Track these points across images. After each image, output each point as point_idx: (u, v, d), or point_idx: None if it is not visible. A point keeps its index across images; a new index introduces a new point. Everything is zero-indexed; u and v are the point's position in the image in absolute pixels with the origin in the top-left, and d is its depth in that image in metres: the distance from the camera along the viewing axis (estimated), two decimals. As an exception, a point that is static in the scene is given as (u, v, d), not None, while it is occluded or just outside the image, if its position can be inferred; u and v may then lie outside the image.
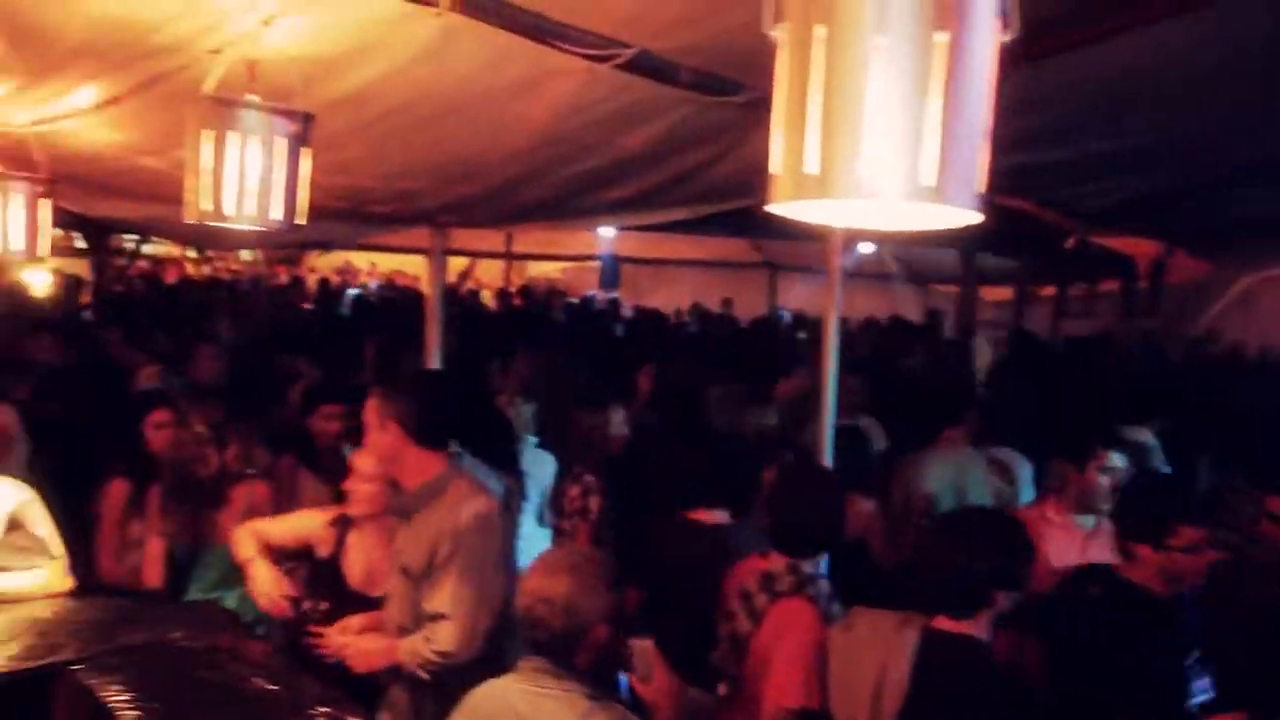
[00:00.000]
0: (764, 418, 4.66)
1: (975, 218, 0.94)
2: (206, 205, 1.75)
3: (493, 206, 3.91)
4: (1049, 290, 10.33)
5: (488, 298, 13.16)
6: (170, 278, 13.36)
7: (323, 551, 2.88)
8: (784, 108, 0.95)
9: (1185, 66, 2.17)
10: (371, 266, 17.85)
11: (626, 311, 12.09)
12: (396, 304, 11.49)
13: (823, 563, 2.96)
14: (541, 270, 15.83)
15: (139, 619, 2.79)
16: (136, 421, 3.55)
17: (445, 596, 2.33)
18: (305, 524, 2.94)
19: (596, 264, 14.10)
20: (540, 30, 2.06)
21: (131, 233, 9.05)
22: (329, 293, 12.62)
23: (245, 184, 1.74)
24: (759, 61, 2.49)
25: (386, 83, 2.18)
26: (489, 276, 14.39)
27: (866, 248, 8.85)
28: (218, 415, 3.50)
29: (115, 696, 2.32)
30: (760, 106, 2.69)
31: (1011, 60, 1.02)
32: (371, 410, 2.43)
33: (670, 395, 4.79)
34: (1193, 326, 8.10)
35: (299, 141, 1.82)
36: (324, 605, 2.72)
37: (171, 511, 3.39)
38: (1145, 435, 4.17)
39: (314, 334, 6.99)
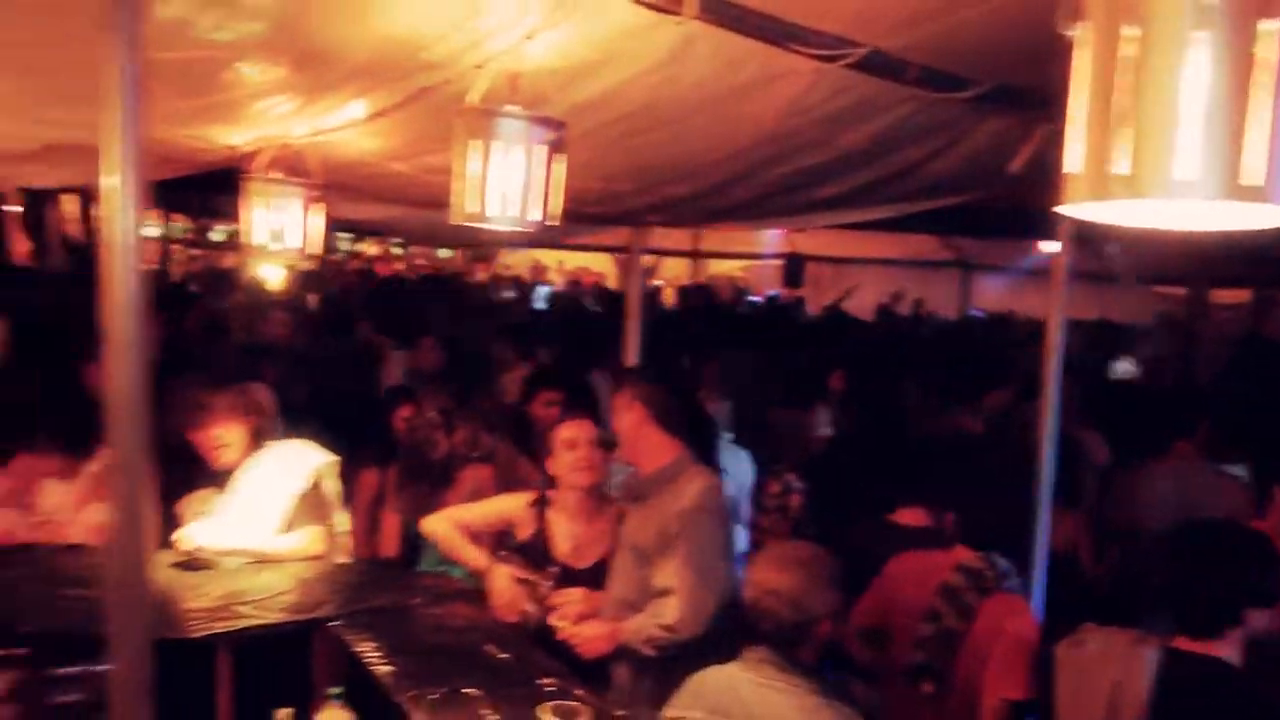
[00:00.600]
0: (965, 423, 4.53)
1: (1298, 216, 0.90)
2: (473, 208, 1.91)
3: (701, 205, 3.99)
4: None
5: (669, 296, 13.38)
6: (383, 273, 14.44)
7: (524, 532, 3.02)
8: (1086, 106, 0.94)
9: None
10: (559, 264, 18.55)
11: (810, 310, 11.97)
12: (587, 300, 11.90)
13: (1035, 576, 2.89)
14: (722, 268, 15.92)
15: (385, 584, 3.09)
16: (386, 413, 3.88)
17: (671, 572, 2.43)
18: (503, 506, 3.10)
19: (779, 262, 14.03)
20: (774, 33, 2.10)
21: (371, 233, 9.83)
22: (525, 288, 13.22)
23: (508, 188, 1.89)
24: (987, 56, 2.44)
25: (624, 89, 2.29)
26: (670, 274, 14.63)
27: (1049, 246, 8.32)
28: (447, 401, 3.79)
29: (367, 650, 2.58)
30: (986, 101, 2.64)
31: None
32: (620, 394, 2.57)
33: (869, 396, 4.73)
34: None
35: (555, 147, 1.95)
36: (549, 583, 2.87)
37: (406, 490, 3.72)
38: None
39: (521, 327, 7.36)
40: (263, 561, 3.13)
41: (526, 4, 1.86)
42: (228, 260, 12.91)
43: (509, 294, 13.12)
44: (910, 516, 3.18)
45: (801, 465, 3.84)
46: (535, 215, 1.94)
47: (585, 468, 2.87)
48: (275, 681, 2.68)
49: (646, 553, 2.53)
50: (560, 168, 2.00)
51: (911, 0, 2.10)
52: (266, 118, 2.58)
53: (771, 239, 12.85)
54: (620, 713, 2.31)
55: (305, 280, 10.46)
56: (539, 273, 17.11)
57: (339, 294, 9.46)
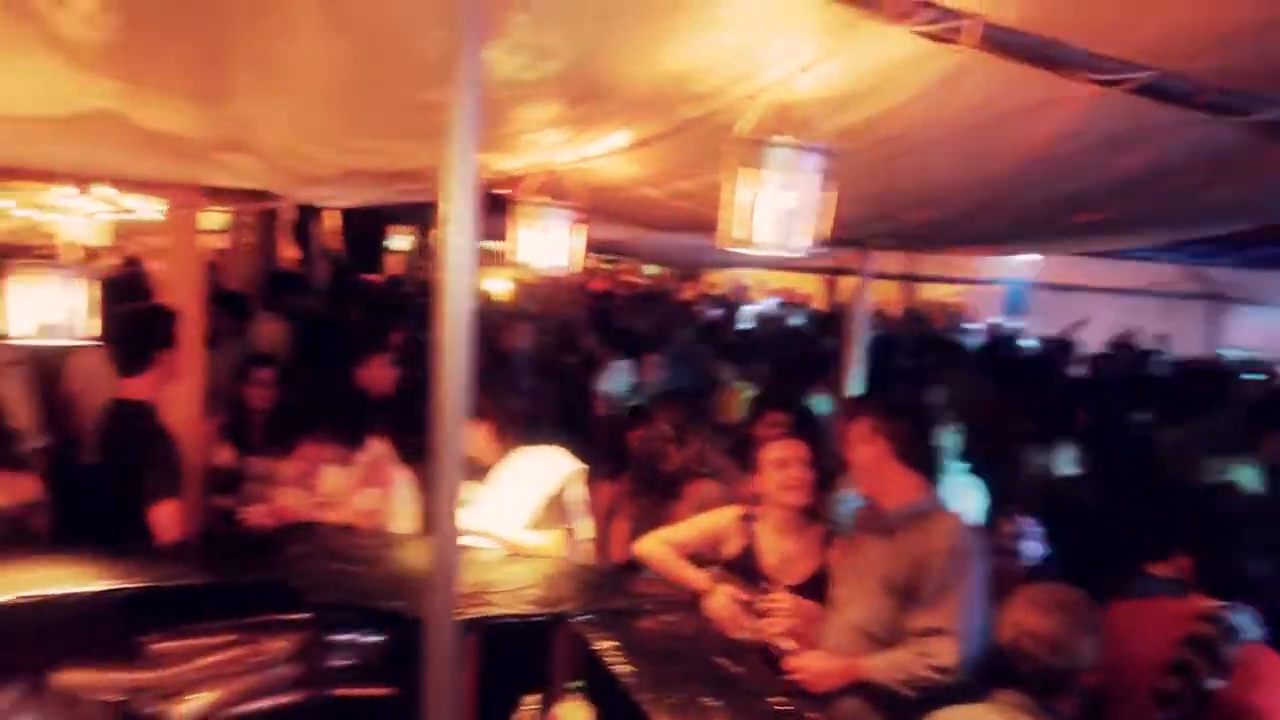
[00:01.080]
0: (1230, 472, 4.14)
1: None
2: (741, 234, 2.00)
3: (940, 231, 3.91)
4: None
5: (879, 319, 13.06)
6: (596, 288, 15.03)
7: (732, 547, 3.08)
8: None
9: None
10: (761, 284, 18.55)
11: (1031, 340, 11.30)
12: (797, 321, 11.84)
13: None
14: (935, 293, 15.37)
15: (621, 588, 3.23)
16: (623, 428, 4.08)
17: (945, 614, 2.40)
18: (713, 523, 3.17)
19: (997, 288, 13.35)
20: (1055, 59, 2.05)
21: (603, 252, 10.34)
22: (731, 306, 13.35)
23: (776, 214, 1.96)
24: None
25: (888, 116, 2.31)
26: (877, 297, 14.27)
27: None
28: (679, 416, 3.92)
29: (607, 649, 2.71)
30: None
31: None
32: (860, 424, 2.57)
33: (1117, 437, 4.42)
34: None
35: (824, 176, 2.00)
36: (768, 600, 2.90)
37: (637, 500, 3.88)
38: None
39: (736, 346, 7.46)
40: (512, 554, 3.36)
41: (805, 37, 1.92)
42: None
43: (715, 312, 13.28)
44: (1161, 568, 2.96)
45: (1040, 505, 3.64)
46: (802, 242, 2.00)
47: (794, 487, 2.92)
48: (516, 670, 2.87)
49: (900, 589, 2.50)
50: (829, 195, 2.04)
51: (1217, 23, 1.99)
52: (538, 147, 2.79)
53: (993, 264, 12.26)
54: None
55: (529, 293, 11.11)
56: (742, 291, 17.21)
57: (564, 307, 9.96)
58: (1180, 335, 11.66)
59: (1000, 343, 10.50)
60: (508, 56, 1.95)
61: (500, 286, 11.01)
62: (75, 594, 2.77)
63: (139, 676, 2.87)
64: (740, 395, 5.34)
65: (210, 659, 2.96)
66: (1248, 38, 1.98)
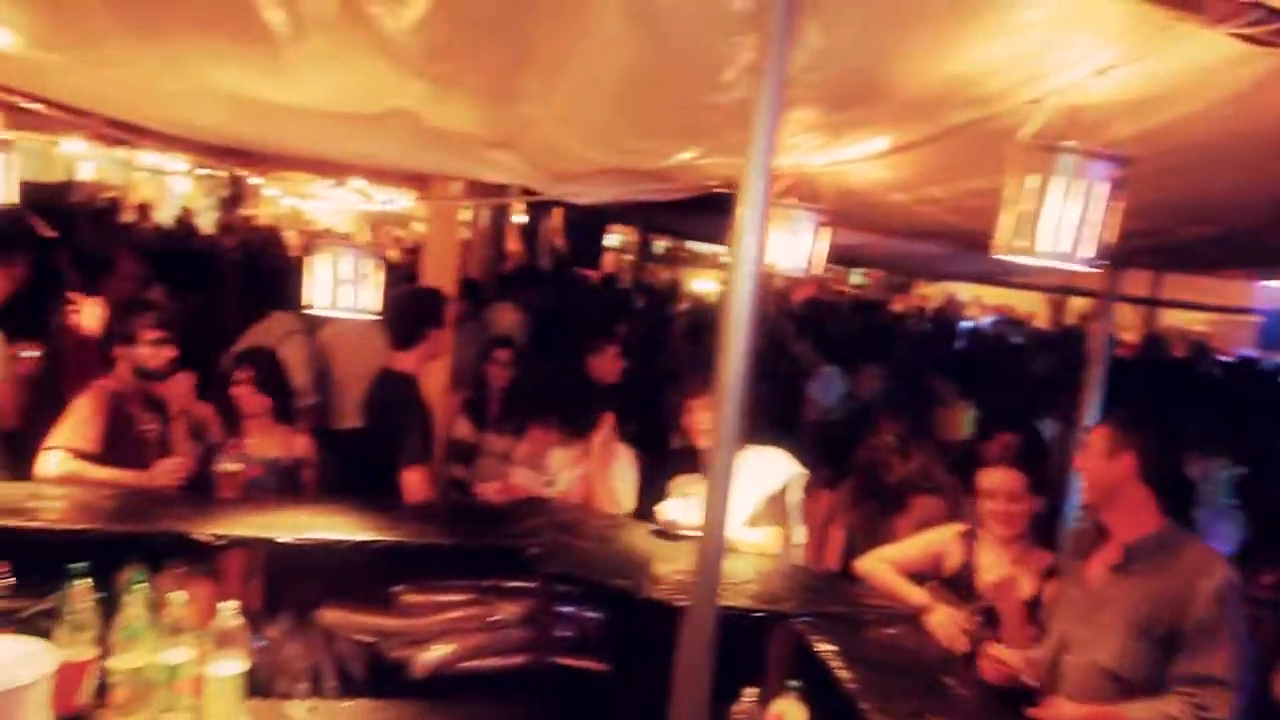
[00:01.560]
0: None
1: None
2: (1021, 242, 1.94)
3: (1220, 250, 3.60)
4: None
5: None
6: (799, 296, 14.89)
7: (951, 563, 3.05)
8: None
9: None
10: (976, 299, 17.71)
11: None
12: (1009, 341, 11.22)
13: None
14: (1177, 319, 14.08)
15: (840, 593, 3.22)
16: (842, 437, 4.07)
17: (1218, 661, 2.24)
18: (934, 541, 3.15)
19: (1253, 319, 12.06)
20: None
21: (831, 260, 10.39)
22: (945, 321, 12.84)
23: (1061, 224, 1.89)
24: None
25: (1186, 123, 2.15)
26: (1124, 324, 13.26)
27: None
28: (903, 429, 3.85)
29: (827, 652, 2.70)
30: None
31: None
32: (1104, 437, 2.44)
33: None
34: None
35: (1116, 184, 1.91)
36: (979, 620, 2.82)
37: (856, 509, 3.86)
38: None
39: (956, 362, 7.19)
40: (730, 549, 3.43)
41: (1106, 39, 1.84)
42: (667, 273, 14.26)
43: (926, 326, 12.83)
44: None
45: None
46: (1087, 253, 1.91)
47: (1001, 520, 2.90)
48: (734, 662, 2.92)
49: (1156, 632, 2.34)
50: (1118, 205, 1.94)
51: None
52: (795, 150, 2.82)
53: (1249, 292, 11.07)
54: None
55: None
56: (957, 306, 16.50)
57: (776, 311, 9.96)
58: None
59: (1257, 377, 9.49)
60: (795, 57, 1.99)
61: (709, 289, 11.15)
62: (340, 541, 3.07)
63: (388, 622, 3.15)
64: (962, 413, 5.14)
65: (451, 614, 3.21)
66: None
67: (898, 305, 15.31)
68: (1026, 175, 1.94)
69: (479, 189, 5.46)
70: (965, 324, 13.63)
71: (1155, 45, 1.81)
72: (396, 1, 1.85)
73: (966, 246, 4.32)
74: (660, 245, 16.36)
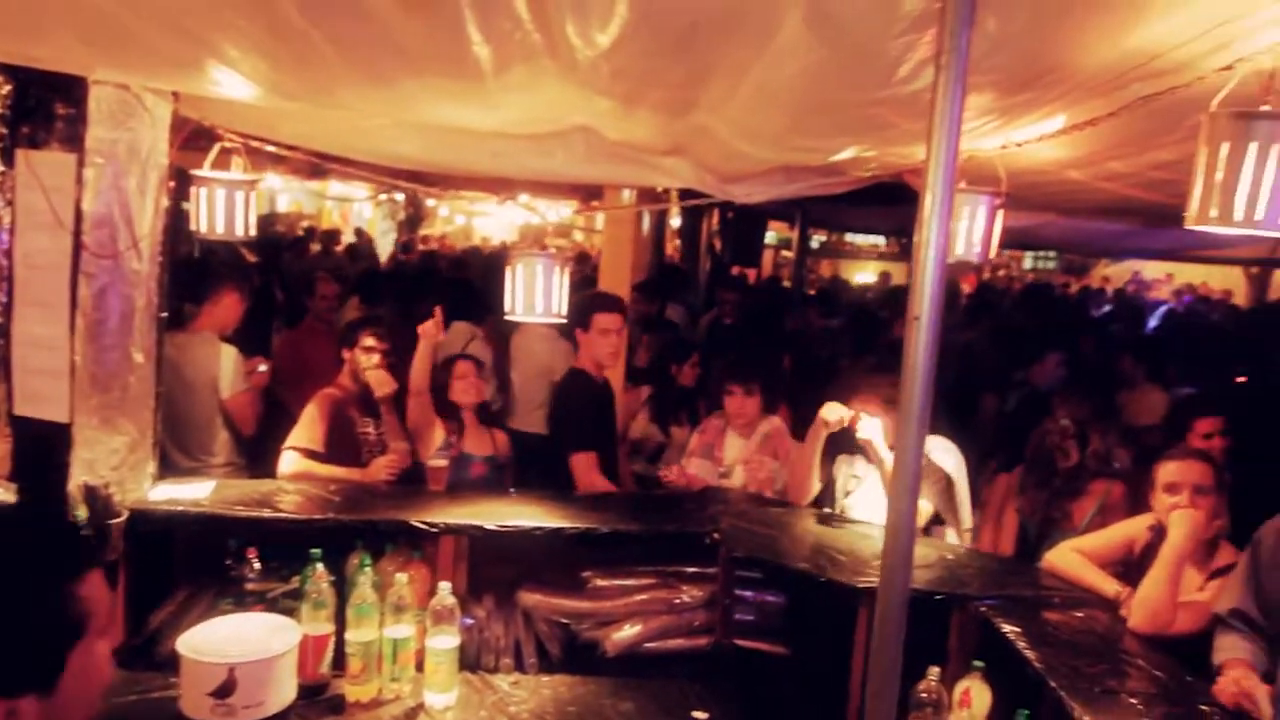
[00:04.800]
0: None
1: None
2: (1214, 213, 1.91)
3: None
4: None
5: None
6: (968, 286, 14.38)
7: (1138, 554, 2.96)
8: None
9: None
10: (1168, 277, 16.56)
11: None
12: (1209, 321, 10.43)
13: None
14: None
15: (1022, 577, 3.19)
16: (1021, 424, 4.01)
17: None
18: (1125, 531, 3.07)
19: None
20: None
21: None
22: (1130, 302, 12.08)
23: (1259, 192, 1.85)
24: None
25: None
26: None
27: None
28: (1084, 412, 3.75)
29: (1012, 633, 2.69)
30: None
31: None
32: None
33: None
34: None
35: (1317, 147, 1.85)
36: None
37: (1030, 492, 3.78)
38: None
39: (1144, 343, 6.83)
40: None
41: (1300, 1, 1.79)
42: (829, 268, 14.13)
43: (1107, 308, 12.11)
44: None
45: None
46: (1284, 219, 1.86)
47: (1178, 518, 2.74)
48: (913, 643, 2.94)
49: None
50: (1326, 169, 1.88)
51: None
52: (969, 135, 2.83)
53: None
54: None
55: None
56: (1142, 286, 15.48)
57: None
58: None
59: None
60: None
61: (869, 280, 10.99)
62: (537, 528, 3.30)
63: (581, 605, 3.37)
64: (1153, 397, 4.89)
65: (637, 597, 3.39)
66: None
67: (1074, 287, 14.47)
68: (1220, 144, 1.90)
69: (644, 195, 5.68)
70: (1157, 303, 12.75)
71: (1359, 0, 1.75)
72: (596, 29, 2.02)
73: (1152, 221, 4.13)
74: (817, 240, 16.20)
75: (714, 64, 2.24)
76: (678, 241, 10.94)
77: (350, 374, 4.10)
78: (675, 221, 10.88)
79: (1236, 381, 5.36)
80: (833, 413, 3.55)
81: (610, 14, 1.98)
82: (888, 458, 3.60)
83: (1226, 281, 14.40)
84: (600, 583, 3.45)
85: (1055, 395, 3.95)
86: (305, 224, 14.88)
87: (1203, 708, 2.32)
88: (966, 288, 13.86)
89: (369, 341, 4.06)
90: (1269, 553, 2.47)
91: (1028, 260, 18.81)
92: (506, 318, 3.29)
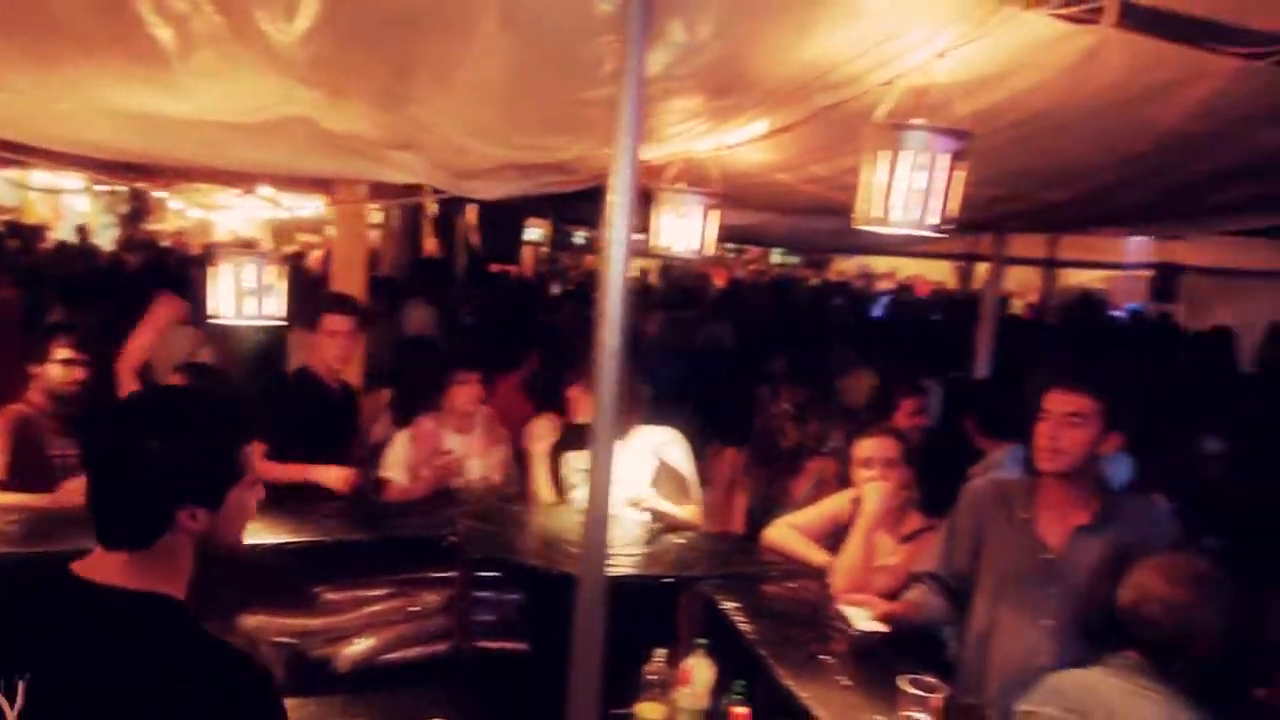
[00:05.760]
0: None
1: None
2: (876, 213, 2.11)
3: (1076, 211, 3.87)
4: None
5: (1019, 307, 12.67)
6: (719, 279, 15.17)
7: (844, 525, 3.20)
8: None
9: None
10: (891, 271, 18.26)
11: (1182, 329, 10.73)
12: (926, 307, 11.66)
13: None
14: (1078, 279, 14.76)
15: (743, 555, 3.39)
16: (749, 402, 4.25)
17: None
18: (832, 507, 3.30)
19: (1142, 273, 12.71)
20: (1195, 34, 2.06)
21: (728, 240, 10.54)
22: (859, 294, 13.25)
23: (910, 194, 2.07)
24: None
25: (1025, 97, 2.36)
26: (1018, 285, 13.86)
27: None
28: (801, 397, 4.04)
29: (731, 609, 2.85)
30: None
31: None
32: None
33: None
34: None
35: (958, 157, 2.09)
36: None
37: (754, 473, 4.03)
38: None
39: (858, 331, 7.48)
40: (660, 522, 3.56)
41: (943, 24, 2.01)
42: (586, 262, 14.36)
43: (840, 300, 13.21)
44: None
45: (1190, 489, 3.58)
46: (933, 220, 2.09)
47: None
48: (647, 626, 3.05)
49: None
50: (960, 175, 2.13)
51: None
52: (683, 137, 2.96)
53: (1137, 248, 11.68)
54: (971, 700, 2.40)
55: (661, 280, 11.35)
56: (871, 279, 16.99)
57: (690, 294, 10.17)
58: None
59: (1148, 329, 10.04)
60: (661, 54, 2.12)
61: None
62: (259, 545, 3.09)
63: (310, 622, 3.21)
64: (866, 380, 5.37)
65: (372, 608, 3.28)
66: None
67: (814, 280, 15.68)
68: (879, 152, 2.11)
69: (387, 190, 5.48)
70: (880, 294, 14.06)
71: (986, 27, 1.99)
72: (283, 18, 1.91)
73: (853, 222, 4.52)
74: (581, 236, 16.44)
75: (416, 59, 2.20)
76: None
77: (42, 389, 3.63)
78: (437, 216, 10.63)
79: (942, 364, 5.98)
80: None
81: (298, 2, 1.88)
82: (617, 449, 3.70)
83: (940, 274, 16.13)
84: (332, 597, 3.30)
85: (778, 381, 4.22)
86: (3, 218, 13.08)
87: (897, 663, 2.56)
88: (719, 282, 14.64)
89: (63, 353, 3.59)
90: (961, 520, 2.77)
91: (776, 255, 20.13)
92: (210, 320, 3.05)
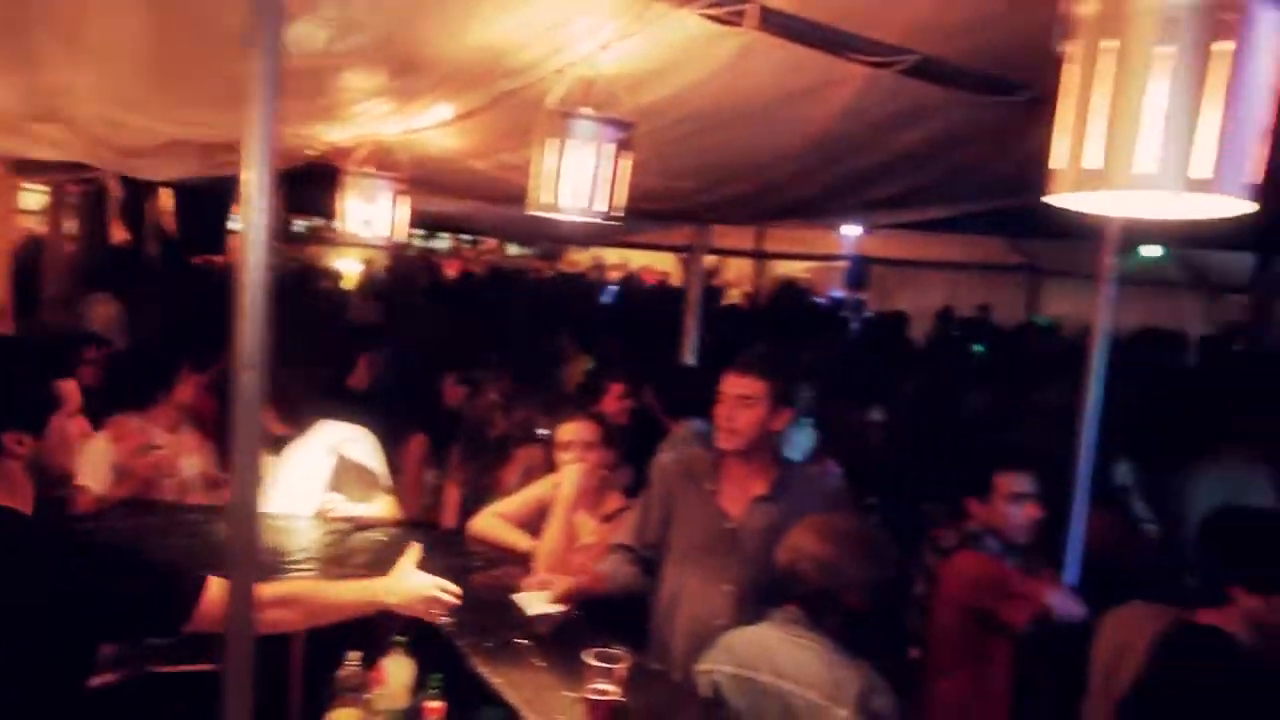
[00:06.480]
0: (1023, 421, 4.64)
1: (1250, 207, 1.06)
2: (547, 199, 2.14)
3: (757, 204, 4.18)
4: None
5: (736, 296, 13.54)
6: (451, 270, 14.89)
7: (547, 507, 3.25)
8: (1070, 111, 1.12)
9: None
10: (623, 262, 18.85)
11: (870, 313, 12.03)
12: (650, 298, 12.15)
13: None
14: (789, 269, 16.03)
15: (446, 548, 3.31)
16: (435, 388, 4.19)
17: None
18: (538, 493, 3.32)
19: (844, 264, 14.06)
20: (829, 42, 2.28)
21: (428, 227, 10.24)
22: (589, 285, 13.54)
23: (578, 182, 2.12)
24: (1039, 61, 2.58)
25: (687, 94, 2.50)
26: (735, 275, 14.82)
27: (1152, 251, 8.25)
28: (508, 386, 4.06)
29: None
30: (1039, 105, 2.76)
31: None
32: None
33: (930, 398, 4.88)
34: None
35: (622, 146, 2.17)
36: None
37: (466, 465, 3.99)
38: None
39: (582, 321, 7.64)
40: (353, 524, 3.41)
41: (604, 17, 2.08)
42: (308, 252, 13.56)
43: (571, 289, 13.47)
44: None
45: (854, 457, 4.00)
46: (601, 207, 2.16)
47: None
48: (343, 629, 2.92)
49: None
50: (626, 164, 2.21)
51: (963, 10, 2.25)
52: (366, 118, 2.85)
53: (837, 241, 12.92)
54: (658, 666, 2.52)
55: (382, 272, 10.94)
56: (603, 270, 17.44)
57: (413, 284, 9.88)
58: (1004, 305, 12.61)
59: (830, 314, 11.15)
60: (316, 29, 2.02)
61: (350, 267, 10.81)
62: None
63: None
64: (583, 367, 5.51)
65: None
66: (1000, 22, 2.25)
67: (547, 271, 15.84)
68: (549, 139, 2.14)
69: (53, 169, 4.84)
70: (611, 286, 14.45)
71: (644, 22, 2.08)
72: None
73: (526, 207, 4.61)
74: (301, 224, 15.46)
75: (32, 13, 1.93)
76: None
77: None
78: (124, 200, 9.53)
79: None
80: None
81: None
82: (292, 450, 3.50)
83: (666, 264, 16.90)
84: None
85: (485, 372, 4.21)
86: None
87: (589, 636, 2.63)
88: (451, 273, 14.38)
89: None
90: (652, 493, 2.90)
91: (513, 248, 20.08)
92: None
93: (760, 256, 12.20)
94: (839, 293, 13.65)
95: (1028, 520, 2.83)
